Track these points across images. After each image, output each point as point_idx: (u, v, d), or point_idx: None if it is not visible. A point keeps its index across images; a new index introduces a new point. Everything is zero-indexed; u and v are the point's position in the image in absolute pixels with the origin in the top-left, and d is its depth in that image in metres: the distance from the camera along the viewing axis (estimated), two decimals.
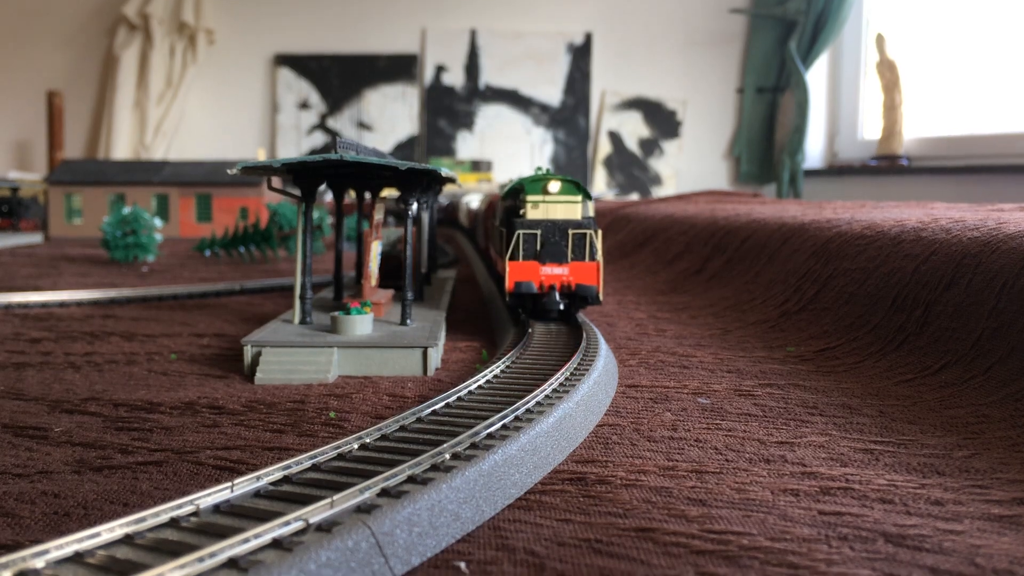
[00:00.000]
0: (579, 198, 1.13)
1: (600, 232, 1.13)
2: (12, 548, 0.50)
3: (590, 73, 4.65)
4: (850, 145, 4.20)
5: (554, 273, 1.10)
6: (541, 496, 0.59)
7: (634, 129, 4.66)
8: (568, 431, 0.68)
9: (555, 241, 1.10)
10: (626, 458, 0.67)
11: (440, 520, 0.50)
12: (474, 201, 3.02)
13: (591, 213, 1.17)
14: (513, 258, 1.10)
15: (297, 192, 1.10)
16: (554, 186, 1.11)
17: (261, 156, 4.25)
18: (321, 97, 4.69)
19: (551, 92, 4.68)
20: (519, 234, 1.10)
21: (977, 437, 0.73)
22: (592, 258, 1.10)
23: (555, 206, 1.12)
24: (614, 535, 0.52)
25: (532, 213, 1.12)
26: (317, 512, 0.47)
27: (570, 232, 1.10)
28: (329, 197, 3.54)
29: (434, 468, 0.55)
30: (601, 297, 1.11)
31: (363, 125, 4.69)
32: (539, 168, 1.20)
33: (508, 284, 1.10)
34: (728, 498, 0.58)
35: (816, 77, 4.23)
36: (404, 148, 4.70)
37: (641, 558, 0.49)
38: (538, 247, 1.10)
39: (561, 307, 1.09)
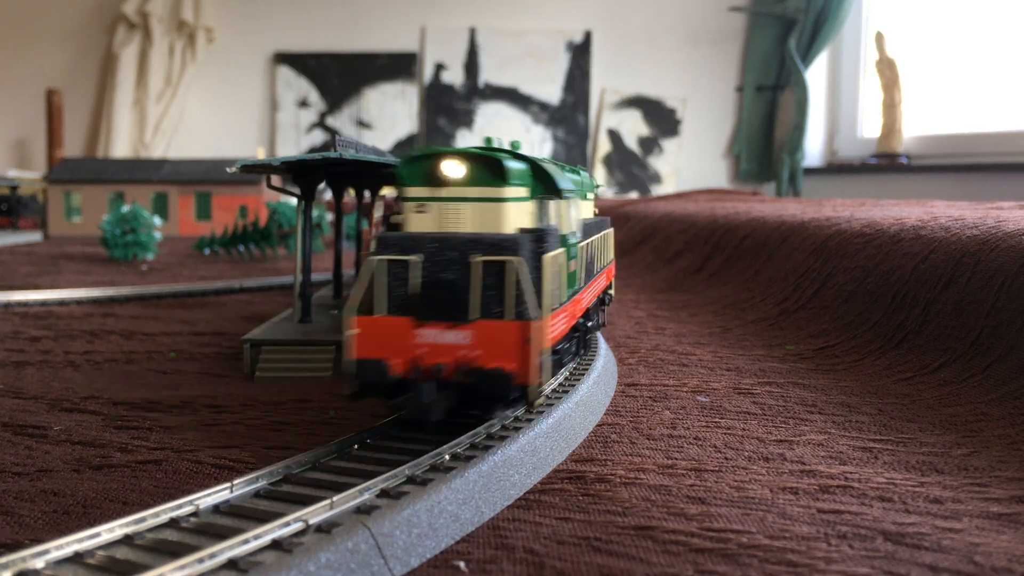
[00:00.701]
0: (520, 192, 0.65)
1: (558, 258, 0.65)
2: (12, 547, 0.50)
3: (589, 71, 4.64)
4: (849, 143, 4.20)
5: (442, 342, 0.59)
6: (540, 495, 0.59)
7: (634, 127, 4.65)
8: (567, 431, 0.68)
9: (446, 279, 0.60)
10: (625, 456, 0.67)
11: (439, 521, 0.50)
12: None
13: (585, 214, 0.78)
14: (364, 310, 0.61)
15: (296, 190, 1.10)
16: (453, 168, 0.63)
17: (260, 154, 4.25)
18: (320, 95, 4.68)
19: (550, 90, 4.67)
20: (374, 264, 0.61)
21: (976, 435, 0.73)
22: (521, 314, 0.58)
23: (459, 208, 0.63)
24: (613, 533, 0.52)
25: (415, 223, 0.64)
26: (317, 513, 0.47)
27: (475, 262, 0.59)
28: (329, 195, 3.54)
29: (434, 469, 0.55)
30: (543, 392, 0.61)
31: (362, 123, 4.69)
32: (488, 139, 0.71)
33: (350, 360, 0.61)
34: (727, 496, 0.58)
35: (816, 75, 4.22)
36: (404, 146, 4.70)
37: (640, 556, 0.49)
38: (411, 291, 0.60)
39: (441, 413, 0.59)
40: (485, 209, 0.63)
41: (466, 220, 0.63)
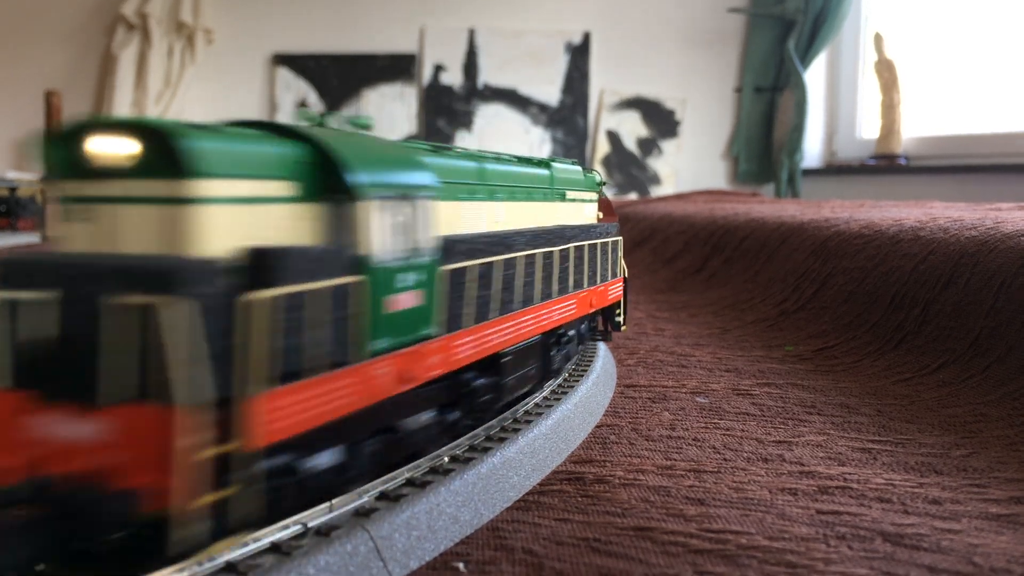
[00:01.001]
0: (251, 188, 0.42)
1: (312, 297, 0.41)
2: None
3: (588, 72, 4.65)
4: (848, 144, 4.20)
5: (60, 437, 0.37)
6: (539, 496, 0.59)
7: (633, 128, 4.66)
8: (566, 433, 0.68)
9: (80, 333, 0.37)
10: (624, 457, 0.67)
11: (439, 523, 0.50)
12: None
13: (576, 218, 0.65)
14: None
15: None
16: (108, 148, 0.40)
17: None
18: (320, 97, 4.69)
19: (550, 91, 4.68)
20: None
21: (975, 436, 0.73)
22: (167, 396, 0.35)
23: (121, 213, 0.40)
24: (612, 534, 0.52)
25: (71, 237, 0.42)
26: (316, 516, 0.47)
27: (107, 306, 0.36)
28: None
29: (432, 471, 0.55)
30: (245, 517, 0.39)
31: None
32: (306, 108, 0.54)
33: None
34: (726, 497, 0.58)
35: (814, 76, 4.23)
36: None
37: (639, 557, 0.49)
38: (35, 350, 0.38)
39: (17, 565, 0.35)
40: (164, 217, 0.39)
41: (138, 234, 0.39)
